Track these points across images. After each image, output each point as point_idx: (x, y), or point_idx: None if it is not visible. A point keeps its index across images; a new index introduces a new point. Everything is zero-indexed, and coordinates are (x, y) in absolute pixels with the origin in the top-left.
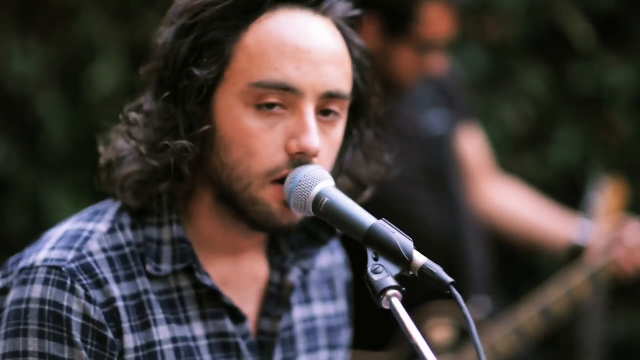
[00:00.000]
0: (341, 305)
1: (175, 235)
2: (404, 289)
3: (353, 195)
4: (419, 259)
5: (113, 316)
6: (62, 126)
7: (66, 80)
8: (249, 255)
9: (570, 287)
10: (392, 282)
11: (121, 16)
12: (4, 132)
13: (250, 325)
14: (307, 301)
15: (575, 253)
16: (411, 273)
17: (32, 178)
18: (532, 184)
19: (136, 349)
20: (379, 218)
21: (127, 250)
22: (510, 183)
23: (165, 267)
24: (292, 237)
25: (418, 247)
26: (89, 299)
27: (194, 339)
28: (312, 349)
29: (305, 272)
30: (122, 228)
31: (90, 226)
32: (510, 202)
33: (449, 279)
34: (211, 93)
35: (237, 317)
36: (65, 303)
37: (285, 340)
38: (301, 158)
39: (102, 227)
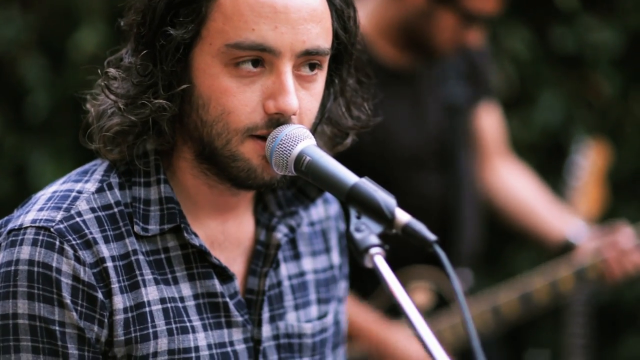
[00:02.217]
0: (335, 258)
1: (163, 194)
2: (387, 246)
3: (335, 142)
4: (402, 216)
5: (102, 276)
6: (45, 91)
7: (49, 46)
8: (236, 214)
9: (554, 279)
10: (374, 240)
11: None
12: None
13: (238, 283)
14: (296, 257)
15: (565, 249)
16: (394, 231)
17: (16, 142)
18: (516, 146)
19: (125, 310)
20: (385, 174)
21: (115, 209)
22: (520, 166)
23: (153, 227)
24: (280, 194)
25: (415, 209)
26: (78, 259)
27: (182, 299)
28: (302, 305)
29: (292, 230)
30: (110, 187)
31: (78, 186)
32: (516, 185)
33: (432, 237)
34: (188, 51)
35: (225, 276)
36: (54, 264)
37: (273, 298)
38: (279, 118)
39: (91, 186)
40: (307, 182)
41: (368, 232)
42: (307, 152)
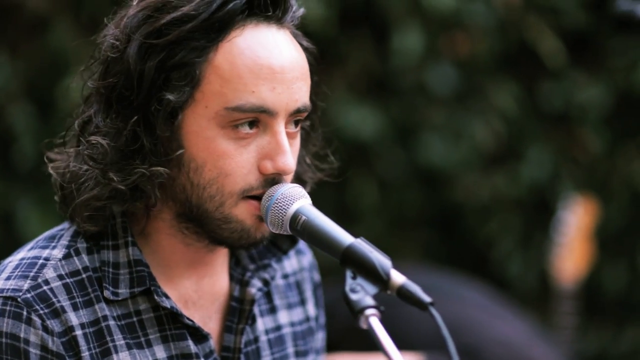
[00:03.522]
0: (310, 309)
1: (132, 257)
2: (382, 308)
3: None
4: (397, 278)
5: (72, 345)
6: (32, 139)
7: (37, 93)
8: (210, 271)
9: None
10: (370, 301)
11: (93, 28)
12: None
13: (214, 342)
14: (272, 310)
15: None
16: (389, 292)
17: (3, 190)
18: (502, 201)
19: None
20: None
21: (84, 275)
22: None
23: (123, 291)
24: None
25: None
26: (46, 329)
27: None
28: (279, 359)
29: (266, 284)
30: (77, 253)
31: (45, 253)
32: None
33: (428, 299)
34: (177, 114)
35: (199, 336)
36: (22, 335)
37: (250, 354)
38: (274, 177)
39: (58, 253)
40: (278, 235)
41: (363, 293)
42: (303, 212)
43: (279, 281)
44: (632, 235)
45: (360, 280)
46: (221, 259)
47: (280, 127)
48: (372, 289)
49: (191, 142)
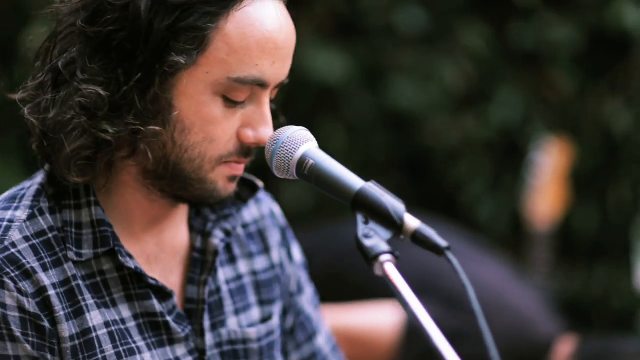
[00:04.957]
0: (275, 256)
1: (95, 217)
2: (397, 253)
3: None
4: (412, 222)
5: (46, 305)
6: None
7: None
8: (170, 224)
9: None
10: (384, 247)
11: None
12: None
13: (177, 295)
14: (232, 260)
15: None
16: (402, 237)
17: None
18: (472, 144)
19: (72, 337)
20: None
21: (50, 235)
22: None
23: (86, 252)
24: None
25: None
26: (20, 291)
27: (123, 321)
28: (241, 309)
29: (228, 234)
30: (41, 213)
31: (8, 214)
32: None
33: (444, 243)
34: (174, 74)
35: (163, 294)
36: None
37: (213, 305)
38: (251, 147)
39: (21, 214)
40: (238, 185)
41: (378, 239)
42: (310, 155)
43: (239, 231)
44: (604, 176)
45: (373, 225)
46: (181, 211)
47: (267, 99)
48: (386, 234)
49: (183, 103)
